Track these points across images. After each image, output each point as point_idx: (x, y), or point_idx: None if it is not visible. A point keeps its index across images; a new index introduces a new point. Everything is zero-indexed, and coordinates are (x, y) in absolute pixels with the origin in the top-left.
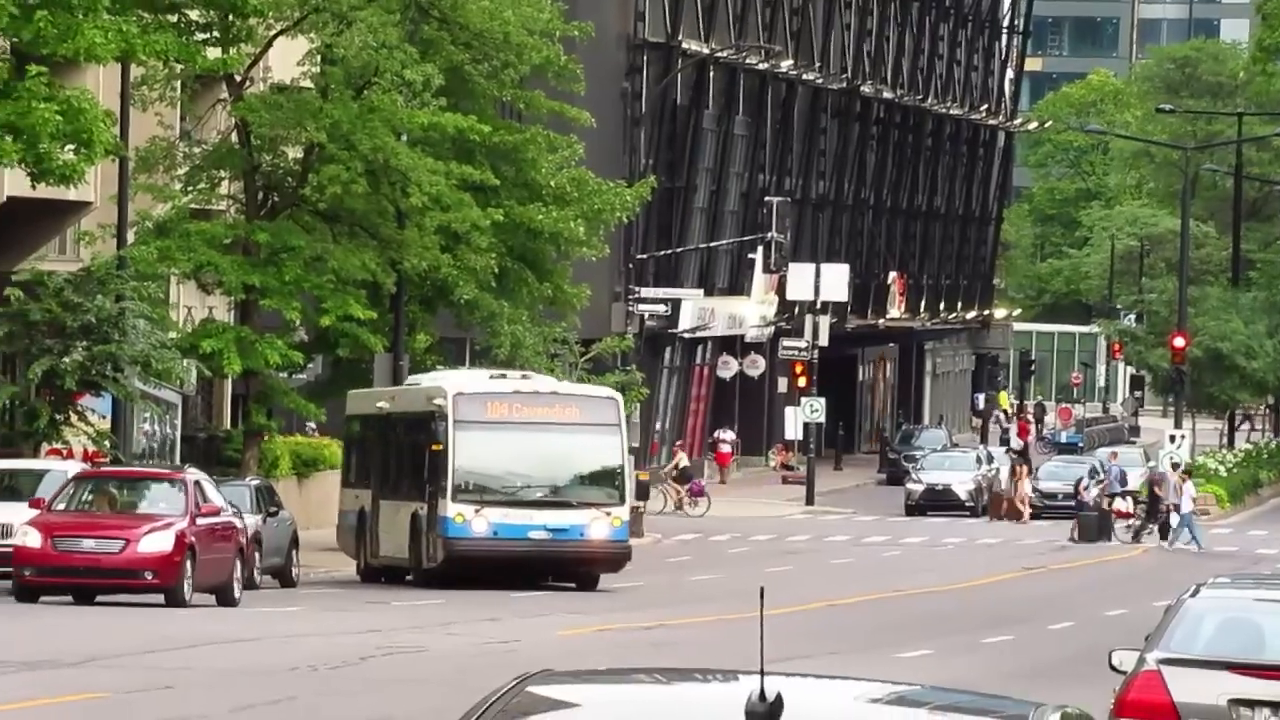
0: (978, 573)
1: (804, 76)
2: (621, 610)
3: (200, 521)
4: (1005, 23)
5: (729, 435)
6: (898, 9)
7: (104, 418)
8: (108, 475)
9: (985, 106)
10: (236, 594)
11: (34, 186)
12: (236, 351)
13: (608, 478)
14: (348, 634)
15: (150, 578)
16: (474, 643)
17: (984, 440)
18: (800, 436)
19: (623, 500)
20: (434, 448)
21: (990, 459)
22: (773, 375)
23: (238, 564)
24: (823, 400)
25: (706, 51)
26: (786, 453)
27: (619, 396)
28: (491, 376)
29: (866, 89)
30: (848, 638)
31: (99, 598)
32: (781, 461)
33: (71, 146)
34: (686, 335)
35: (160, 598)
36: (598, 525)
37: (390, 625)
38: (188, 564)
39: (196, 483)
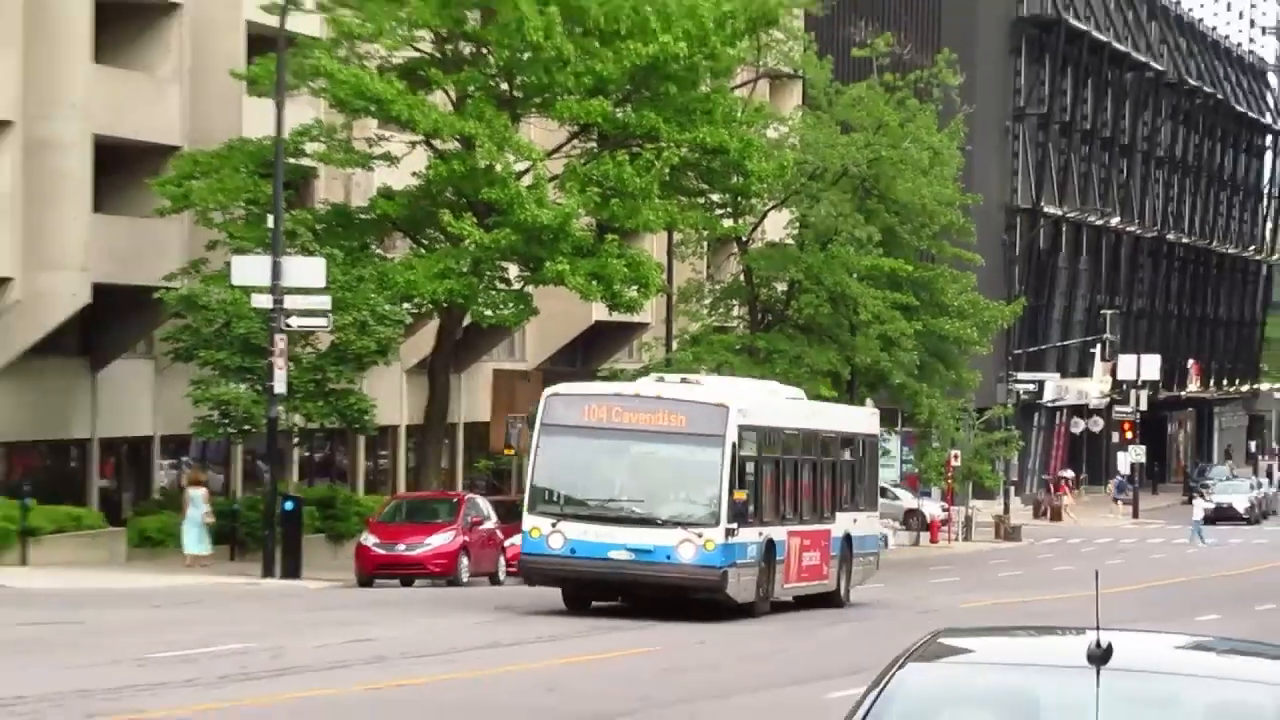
0: (1252, 563)
1: (1126, 229)
2: (1009, 589)
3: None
4: (1265, 190)
5: (1069, 473)
6: (1192, 181)
7: None
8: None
9: (1252, 247)
10: (501, 577)
11: (610, 313)
12: None
13: (702, 495)
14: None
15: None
16: (906, 610)
17: (1255, 473)
18: (1128, 472)
19: (716, 521)
20: (506, 451)
21: (1261, 485)
22: (1108, 431)
23: (500, 559)
24: (1143, 447)
25: (1060, 213)
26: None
27: (731, 404)
28: (656, 380)
29: (1170, 235)
30: (1161, 607)
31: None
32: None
33: (635, 287)
34: (1049, 404)
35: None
36: (686, 548)
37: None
38: (464, 558)
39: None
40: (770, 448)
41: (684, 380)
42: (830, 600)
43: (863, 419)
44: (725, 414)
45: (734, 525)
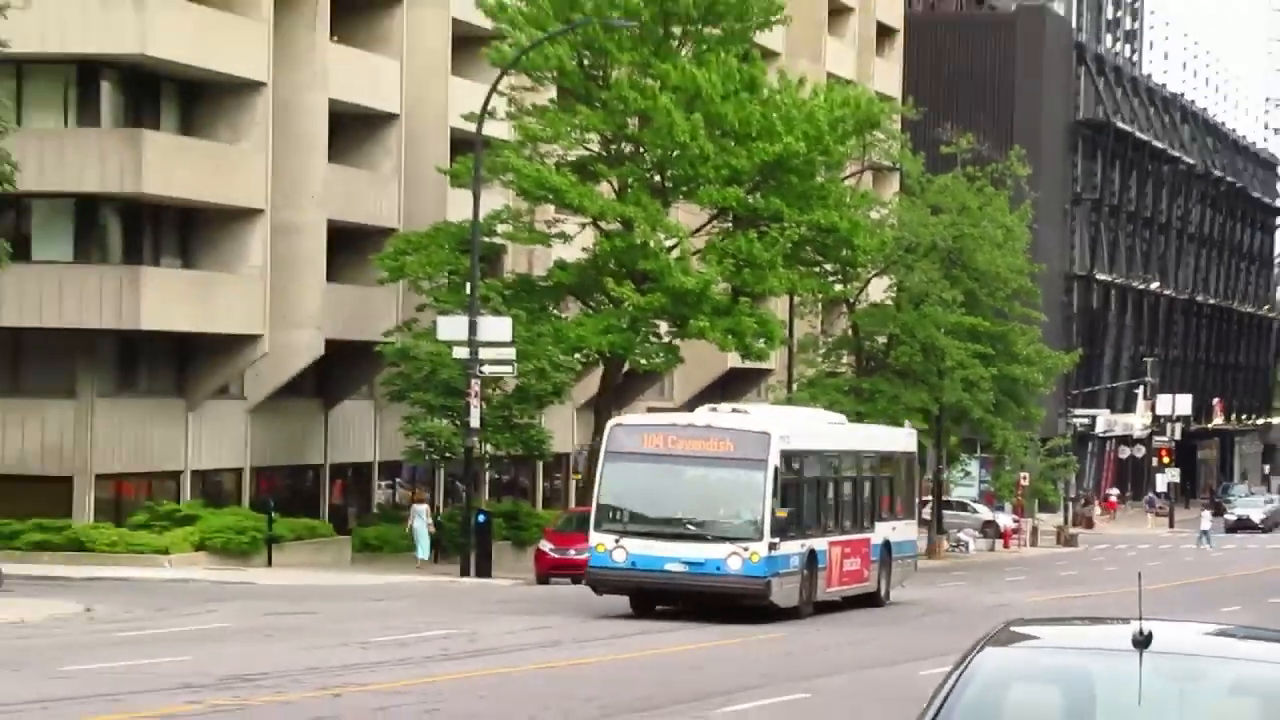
0: (1265, 564)
1: (1163, 292)
2: (1069, 586)
3: None
4: (1275, 261)
5: (1114, 492)
6: (1216, 253)
7: None
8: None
9: (1265, 306)
10: None
11: (743, 361)
12: None
13: (746, 513)
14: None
15: None
16: (984, 604)
17: (1269, 491)
18: (1166, 490)
19: (760, 536)
20: (574, 476)
21: (1273, 501)
22: (1149, 456)
23: None
24: (1177, 470)
25: (1109, 279)
26: (1157, 504)
27: (773, 431)
28: (709, 410)
29: (1199, 297)
30: (1192, 600)
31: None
32: (1154, 504)
33: (762, 340)
34: (1100, 435)
35: None
36: (733, 560)
37: (926, 596)
38: None
39: None
40: (811, 468)
41: (734, 410)
42: (872, 600)
43: (901, 438)
44: (768, 440)
45: (776, 539)
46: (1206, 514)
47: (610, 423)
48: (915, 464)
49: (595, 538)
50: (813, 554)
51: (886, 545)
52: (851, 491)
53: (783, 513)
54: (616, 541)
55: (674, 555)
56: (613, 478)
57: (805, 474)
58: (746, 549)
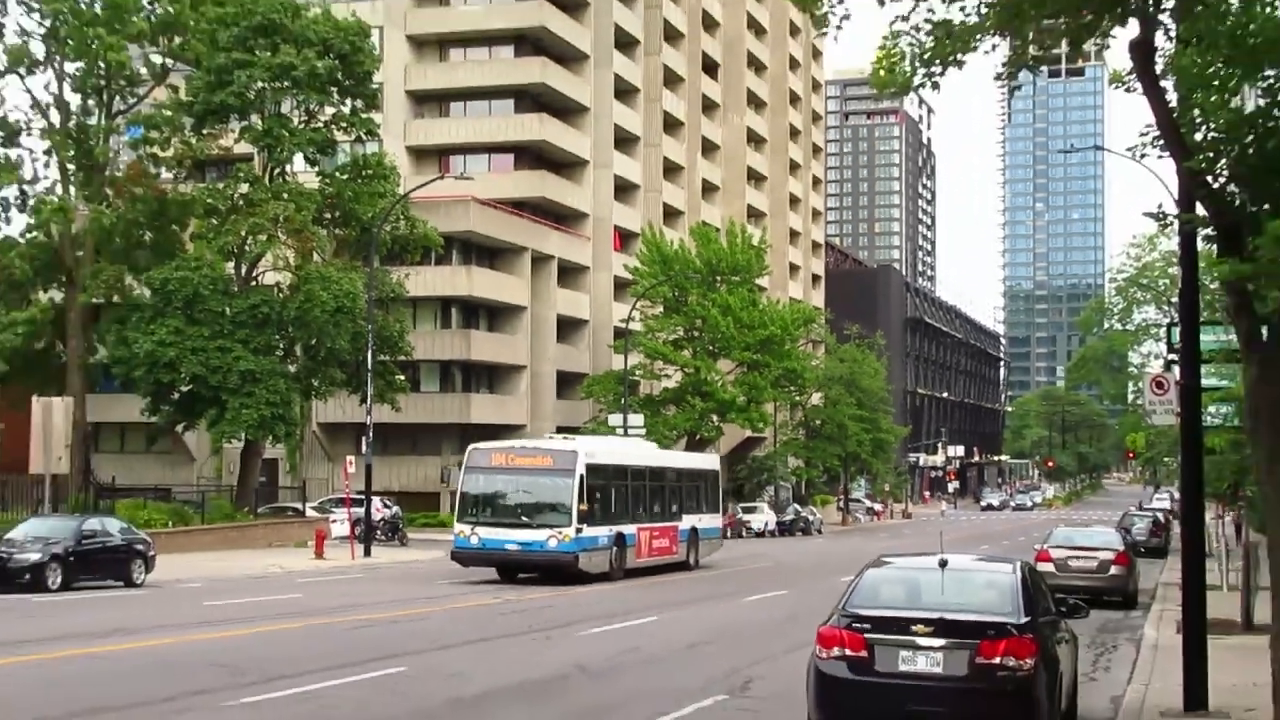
0: (1002, 524)
1: (951, 398)
2: (906, 539)
3: None
4: (1000, 382)
5: (928, 493)
6: (973, 380)
7: None
8: None
9: (996, 403)
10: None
11: (753, 433)
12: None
13: (560, 507)
14: (796, 548)
15: None
16: (862, 550)
17: (1002, 490)
18: (951, 492)
19: (570, 524)
20: (441, 484)
21: (1009, 495)
22: (944, 475)
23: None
24: (958, 482)
25: (924, 392)
26: (947, 497)
27: (580, 450)
28: (549, 437)
29: (966, 400)
30: (965, 543)
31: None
32: (944, 499)
33: (761, 423)
34: (920, 466)
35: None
36: (551, 541)
37: (829, 547)
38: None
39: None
40: (618, 476)
41: (563, 437)
42: (683, 566)
43: (706, 460)
44: (576, 457)
45: (583, 525)
46: (945, 503)
47: (470, 446)
48: (718, 477)
49: (458, 527)
50: (621, 535)
51: (694, 530)
52: (660, 493)
53: (584, 507)
54: (472, 529)
55: (511, 539)
56: (470, 483)
57: (612, 480)
58: (560, 533)
